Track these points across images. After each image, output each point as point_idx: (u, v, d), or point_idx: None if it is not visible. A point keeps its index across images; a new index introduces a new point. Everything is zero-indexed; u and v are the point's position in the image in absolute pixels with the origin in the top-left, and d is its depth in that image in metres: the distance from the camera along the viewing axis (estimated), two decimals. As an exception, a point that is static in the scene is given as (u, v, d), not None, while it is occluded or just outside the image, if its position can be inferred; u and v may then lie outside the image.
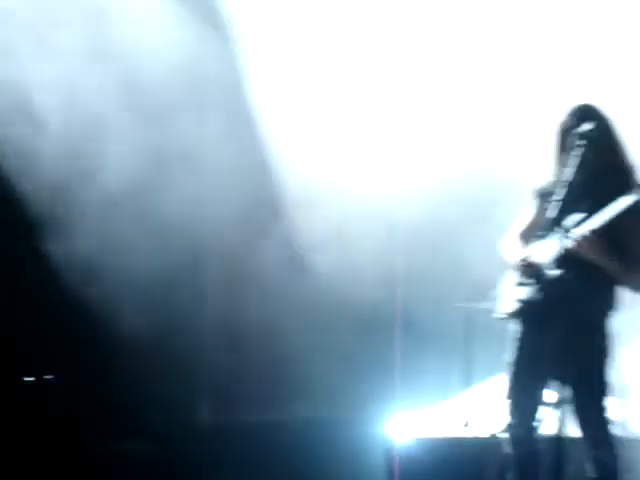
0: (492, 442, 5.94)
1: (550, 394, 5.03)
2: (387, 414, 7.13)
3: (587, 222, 4.67)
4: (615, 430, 4.87)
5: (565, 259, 4.78)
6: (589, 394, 4.76)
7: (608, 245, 4.66)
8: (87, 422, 7.27)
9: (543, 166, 5.05)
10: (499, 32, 7.38)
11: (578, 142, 4.70)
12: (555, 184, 4.94)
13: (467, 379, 6.97)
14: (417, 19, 7.44)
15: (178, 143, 7.35)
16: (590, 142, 4.68)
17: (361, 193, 7.30)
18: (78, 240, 7.17)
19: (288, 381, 7.52)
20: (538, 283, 4.87)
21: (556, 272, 4.81)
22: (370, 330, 7.58)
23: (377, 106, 7.38)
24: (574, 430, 4.81)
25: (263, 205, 7.67)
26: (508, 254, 5.06)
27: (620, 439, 6.45)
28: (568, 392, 4.76)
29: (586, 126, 4.73)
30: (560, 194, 4.63)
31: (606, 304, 4.86)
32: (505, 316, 4.99)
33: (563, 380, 4.82)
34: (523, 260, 4.91)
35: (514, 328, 4.97)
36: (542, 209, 4.98)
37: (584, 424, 4.77)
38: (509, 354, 4.95)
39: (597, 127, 4.69)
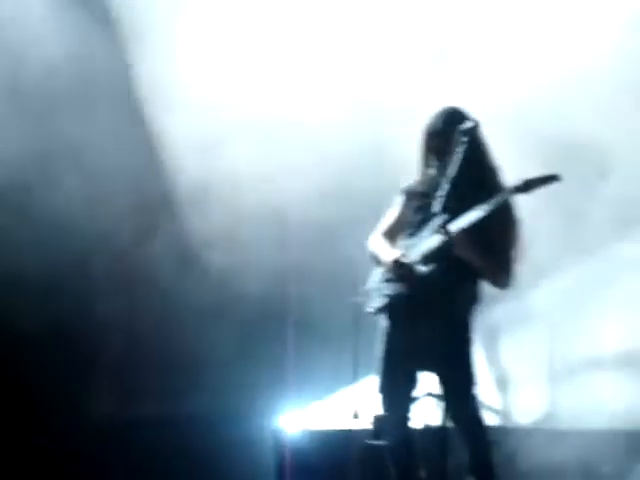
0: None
1: (433, 385, 5.11)
2: (279, 408, 7.15)
3: (457, 220, 4.75)
4: (492, 420, 4.97)
5: (433, 256, 4.87)
6: (458, 385, 4.85)
7: (475, 244, 4.76)
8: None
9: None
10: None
11: (461, 139, 4.75)
12: (421, 183, 5.07)
13: (356, 373, 7.00)
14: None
15: (65, 141, 7.19)
16: (469, 140, 4.74)
17: (254, 191, 7.25)
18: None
19: (181, 376, 7.43)
20: (405, 279, 4.94)
21: (423, 268, 4.90)
22: (262, 326, 7.54)
23: (268, 102, 7.33)
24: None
25: (154, 203, 7.57)
26: (375, 251, 5.12)
27: (501, 429, 6.64)
28: (440, 383, 4.85)
29: (468, 123, 4.79)
30: (444, 190, 4.67)
31: (471, 299, 4.96)
32: (374, 311, 5.06)
33: (433, 372, 4.92)
34: (393, 259, 4.97)
35: (383, 323, 5.05)
36: (408, 207, 5.09)
37: (456, 415, 4.85)
38: (379, 348, 5.02)
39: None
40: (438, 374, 4.88)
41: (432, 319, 4.82)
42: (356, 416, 6.77)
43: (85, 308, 7.50)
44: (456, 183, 4.71)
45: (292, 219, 7.46)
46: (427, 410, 5.98)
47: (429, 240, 4.89)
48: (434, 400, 6.69)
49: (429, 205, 4.92)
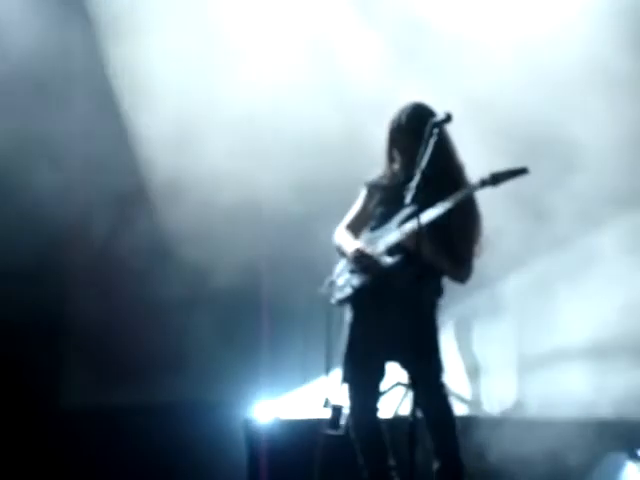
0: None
1: (403, 376, 5.11)
2: (251, 398, 7.16)
3: (417, 217, 4.74)
4: (462, 409, 4.97)
5: (397, 247, 4.90)
6: (426, 373, 4.85)
7: (435, 241, 4.75)
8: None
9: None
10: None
11: (433, 132, 4.73)
12: (385, 177, 5.11)
13: (328, 363, 6.99)
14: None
15: (39, 133, 7.13)
16: (439, 134, 4.71)
17: (228, 184, 7.21)
18: None
19: (154, 366, 7.43)
20: (368, 269, 4.96)
21: (388, 259, 4.91)
22: (236, 317, 7.55)
23: (243, 97, 7.29)
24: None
25: (127, 194, 7.53)
26: (339, 243, 5.13)
27: (470, 418, 6.64)
28: (407, 373, 4.88)
29: (440, 116, 4.77)
30: (416, 181, 4.64)
31: (435, 289, 4.99)
32: (337, 302, 5.06)
33: (400, 362, 4.92)
34: (356, 249, 4.96)
35: (347, 314, 5.08)
36: (372, 201, 5.12)
37: (424, 403, 4.84)
38: (343, 339, 5.06)
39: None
40: (405, 363, 4.88)
41: (397, 309, 4.85)
42: (327, 405, 6.77)
43: (60, 298, 7.53)
44: (426, 175, 4.70)
45: (266, 212, 7.46)
46: (396, 399, 6.00)
47: (394, 232, 4.91)
48: (403, 390, 6.75)
49: (392, 198, 4.97)
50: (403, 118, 5.02)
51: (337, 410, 5.16)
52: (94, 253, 7.51)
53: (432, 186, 4.62)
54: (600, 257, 6.93)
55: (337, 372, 5.37)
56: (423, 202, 4.65)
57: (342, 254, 5.13)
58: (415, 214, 4.69)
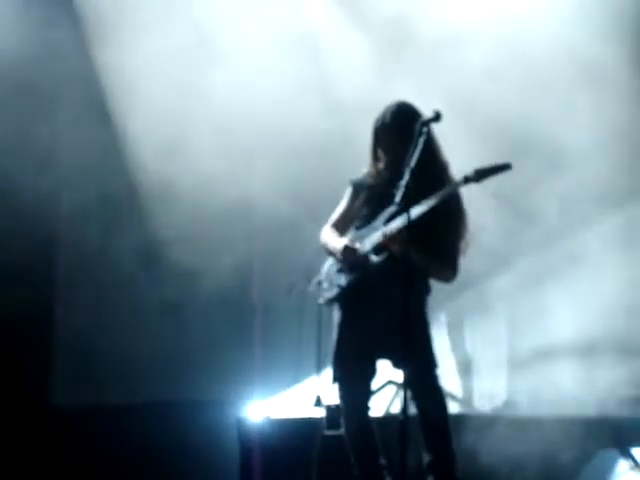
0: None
1: (396, 374, 5.07)
2: (244, 397, 7.12)
3: (399, 218, 4.74)
4: (453, 407, 4.95)
5: (382, 247, 4.89)
6: (419, 367, 4.80)
7: (421, 239, 4.68)
8: None
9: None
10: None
11: (422, 130, 4.68)
12: (370, 176, 5.08)
13: (319, 363, 6.97)
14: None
15: (27, 133, 7.08)
16: (429, 132, 4.67)
17: (219, 183, 7.18)
18: None
19: (146, 366, 7.41)
20: (356, 266, 4.93)
21: (375, 257, 4.90)
22: (228, 317, 7.53)
23: (232, 100, 7.25)
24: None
25: (117, 196, 7.48)
26: (326, 242, 5.10)
27: (461, 416, 6.61)
28: (399, 369, 4.82)
29: (429, 114, 4.73)
30: (404, 181, 4.60)
31: (422, 288, 4.97)
32: (326, 302, 5.03)
33: (392, 359, 4.89)
34: (344, 245, 4.92)
35: (335, 314, 5.05)
36: (357, 200, 5.10)
37: (418, 397, 4.83)
38: (334, 338, 5.02)
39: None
40: (397, 358, 4.83)
41: (386, 306, 4.80)
42: (318, 404, 6.75)
43: (50, 297, 7.51)
44: (415, 174, 4.65)
45: (257, 213, 7.45)
46: (387, 398, 5.97)
47: (380, 231, 4.90)
48: (394, 388, 6.72)
49: (378, 197, 4.96)
50: (388, 117, 5.00)
51: (335, 410, 5.14)
52: (85, 254, 7.46)
53: (418, 184, 4.58)
54: (587, 255, 6.91)
55: (328, 371, 5.34)
56: (415, 199, 4.62)
57: (329, 253, 5.10)
58: (400, 212, 4.65)
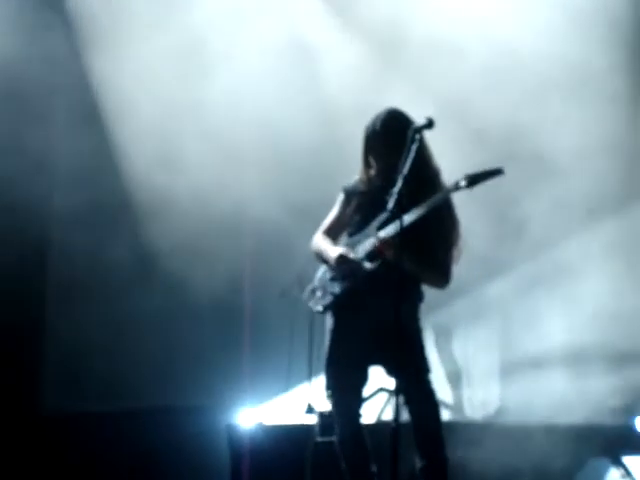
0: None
1: (387, 382, 5.04)
2: (235, 404, 7.08)
3: (391, 225, 4.71)
4: (445, 415, 4.92)
5: (375, 254, 4.84)
6: (413, 372, 4.77)
7: (413, 246, 4.65)
8: None
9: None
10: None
11: (414, 137, 4.64)
12: (362, 183, 5.03)
13: (311, 369, 6.95)
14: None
15: (20, 142, 7.04)
16: (421, 139, 4.64)
17: (211, 194, 7.16)
18: None
19: (138, 373, 7.37)
20: (350, 274, 4.90)
21: (368, 265, 4.86)
22: (219, 324, 7.50)
23: (228, 111, 7.23)
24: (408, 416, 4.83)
25: (109, 204, 7.43)
26: (319, 249, 5.05)
27: (452, 423, 6.58)
28: (393, 375, 4.76)
29: (422, 121, 4.70)
30: (397, 188, 4.55)
31: (414, 295, 4.93)
32: (321, 309, 4.99)
33: (385, 365, 4.86)
34: (339, 254, 4.90)
35: (330, 321, 5.00)
36: (349, 207, 5.05)
37: (412, 402, 4.78)
38: (326, 346, 4.97)
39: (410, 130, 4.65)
40: (390, 364, 4.79)
41: (379, 313, 4.75)
42: (309, 411, 6.72)
43: (41, 305, 7.50)
44: (407, 181, 4.62)
45: (249, 222, 7.43)
46: (379, 405, 5.93)
47: (372, 238, 4.86)
48: (386, 395, 6.69)
49: (369, 204, 4.92)
50: (379, 124, 4.95)
51: (328, 417, 5.10)
52: (76, 263, 7.42)
53: (410, 191, 4.53)
54: (579, 264, 6.89)
55: (320, 379, 5.32)
56: (408, 205, 4.58)
57: (322, 260, 5.06)
58: (393, 219, 4.61)
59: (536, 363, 6.94)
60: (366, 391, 5.03)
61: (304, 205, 6.88)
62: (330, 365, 4.96)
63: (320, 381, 5.60)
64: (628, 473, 5.81)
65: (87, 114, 7.42)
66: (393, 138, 4.80)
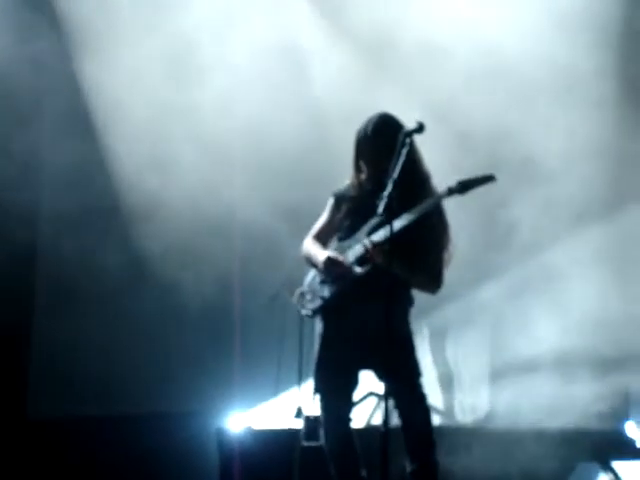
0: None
1: (377, 385, 5.02)
2: (224, 408, 7.07)
3: (382, 229, 4.69)
4: (435, 419, 4.90)
5: (365, 259, 4.82)
6: (402, 375, 4.74)
7: (404, 251, 4.62)
8: None
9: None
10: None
11: (405, 141, 4.62)
12: (352, 187, 5.01)
13: (301, 374, 6.92)
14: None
15: (10, 143, 7.00)
16: (411, 143, 4.61)
17: (200, 197, 7.12)
18: None
19: (127, 377, 7.33)
20: (339, 278, 4.88)
21: (358, 269, 4.83)
22: (208, 328, 7.46)
23: (218, 114, 7.21)
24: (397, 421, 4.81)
25: (98, 209, 7.39)
26: (308, 253, 5.04)
27: (443, 428, 6.56)
28: (383, 378, 4.73)
29: (412, 125, 4.67)
30: (387, 192, 4.53)
31: (405, 300, 4.91)
32: (310, 313, 4.97)
33: (375, 369, 4.84)
34: (327, 257, 4.87)
35: (319, 325, 4.98)
36: (339, 211, 5.03)
37: (402, 406, 4.76)
38: (316, 350, 4.96)
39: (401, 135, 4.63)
40: (381, 368, 4.76)
41: (369, 318, 4.72)
42: (299, 416, 6.69)
43: (29, 309, 7.45)
44: (397, 185, 4.59)
45: (239, 227, 7.39)
46: (368, 409, 5.90)
47: (357, 246, 4.85)
48: (375, 399, 6.66)
49: (360, 209, 4.90)
50: (370, 128, 4.93)
51: (313, 421, 5.08)
52: (65, 267, 7.36)
53: (401, 195, 4.50)
54: (569, 269, 6.88)
55: (309, 383, 5.30)
56: (398, 210, 4.55)
57: (311, 264, 5.04)
58: (383, 223, 4.59)
59: (526, 368, 6.92)
60: (356, 395, 5.02)
61: (294, 208, 6.85)
62: (319, 369, 4.94)
63: (310, 385, 5.59)
64: (617, 478, 5.80)
65: (77, 117, 7.36)
66: (384, 143, 4.78)
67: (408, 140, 4.58)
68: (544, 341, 6.92)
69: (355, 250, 4.87)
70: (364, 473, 4.88)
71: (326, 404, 4.91)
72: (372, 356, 4.74)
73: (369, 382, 5.13)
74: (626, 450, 6.18)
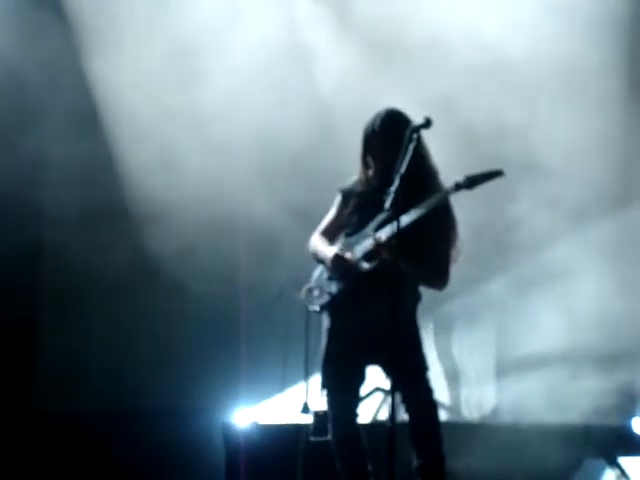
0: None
1: (383, 381, 5.01)
2: (230, 403, 7.05)
3: (389, 225, 4.68)
4: (441, 415, 4.90)
5: (373, 255, 4.80)
6: (411, 370, 4.74)
7: (411, 247, 4.60)
8: None
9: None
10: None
11: (412, 137, 4.60)
12: (360, 183, 5.00)
13: (307, 369, 6.92)
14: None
15: (17, 143, 7.00)
16: (419, 139, 4.60)
17: (208, 195, 7.12)
18: None
19: (133, 373, 7.34)
20: (347, 274, 4.86)
21: (366, 265, 4.82)
22: (215, 324, 7.45)
23: (224, 116, 7.19)
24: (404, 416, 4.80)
25: (104, 209, 7.39)
26: (315, 249, 5.03)
27: (449, 424, 6.55)
28: (390, 374, 4.70)
29: (420, 120, 4.66)
30: (394, 187, 4.51)
31: (412, 296, 4.90)
32: (318, 309, 4.96)
33: (382, 364, 4.82)
34: (334, 254, 4.86)
35: (326, 320, 4.98)
36: (347, 207, 5.03)
37: (409, 400, 4.75)
38: (323, 345, 4.96)
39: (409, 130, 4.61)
40: (388, 363, 4.74)
41: (377, 313, 4.69)
42: (305, 411, 6.69)
43: (34, 305, 7.48)
44: (405, 180, 4.57)
45: (245, 226, 7.38)
46: (375, 405, 5.89)
47: (370, 239, 4.83)
48: (382, 395, 6.65)
49: (367, 204, 4.89)
50: (377, 124, 4.91)
51: (322, 416, 5.07)
52: (71, 264, 7.37)
53: (408, 191, 4.49)
54: (575, 265, 6.86)
55: (316, 378, 5.29)
56: (405, 205, 4.54)
57: (319, 261, 5.03)
58: (391, 219, 4.57)
59: (532, 363, 6.91)
60: (362, 391, 5.01)
61: (301, 207, 6.83)
62: (326, 365, 4.93)
63: (316, 381, 5.58)
64: (624, 474, 5.79)
65: (85, 116, 7.36)
66: (392, 138, 4.76)
67: (415, 135, 4.57)
68: (550, 337, 6.90)
69: (363, 246, 4.86)
70: (370, 468, 4.88)
71: (333, 399, 4.90)
72: (379, 352, 4.72)
73: (376, 377, 5.12)
74: (633, 446, 6.16)
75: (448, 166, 5.02)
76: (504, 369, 7.10)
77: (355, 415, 4.92)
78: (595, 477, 5.87)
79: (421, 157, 4.79)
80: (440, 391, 7.01)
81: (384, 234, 4.74)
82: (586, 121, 6.79)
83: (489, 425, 6.61)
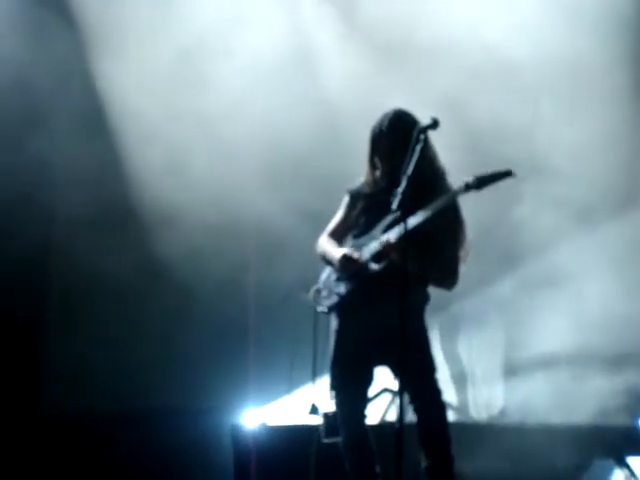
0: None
1: (391, 382, 5.00)
2: (239, 405, 7.05)
3: (397, 226, 4.67)
4: (449, 416, 4.89)
5: (381, 256, 4.79)
6: (419, 371, 4.73)
7: (420, 248, 4.59)
8: None
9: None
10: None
11: (419, 137, 4.58)
12: (367, 185, 4.99)
13: (315, 370, 6.90)
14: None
15: (25, 146, 7.00)
16: (426, 140, 4.58)
17: (215, 197, 7.12)
18: None
19: (142, 374, 7.31)
20: (355, 275, 4.85)
21: (374, 265, 4.82)
22: (223, 325, 7.44)
23: (229, 118, 7.19)
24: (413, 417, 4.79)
25: (112, 211, 7.38)
26: (323, 251, 5.02)
27: (457, 424, 6.54)
28: (398, 375, 4.66)
29: (427, 121, 4.64)
30: (401, 188, 4.49)
31: (420, 296, 4.88)
32: (326, 310, 4.95)
33: (390, 366, 4.81)
34: (342, 255, 4.84)
35: (335, 321, 4.97)
36: (354, 209, 5.02)
37: (418, 402, 4.74)
38: (331, 346, 4.96)
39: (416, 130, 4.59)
40: (396, 364, 4.72)
41: (385, 314, 4.67)
42: (313, 412, 6.67)
43: (40, 305, 7.48)
44: (412, 181, 4.56)
45: (252, 227, 7.37)
46: (383, 406, 5.87)
47: (378, 240, 4.82)
48: (390, 396, 6.64)
49: (375, 206, 4.88)
50: (385, 124, 4.90)
51: (333, 418, 5.07)
52: (79, 265, 7.36)
53: (415, 191, 4.47)
54: (582, 266, 6.84)
55: (324, 379, 5.28)
56: (413, 206, 4.52)
57: (327, 262, 5.02)
58: (399, 220, 4.56)
59: (540, 364, 6.90)
60: (371, 392, 5.00)
61: (308, 208, 6.83)
62: (335, 366, 4.93)
63: (324, 382, 5.57)
64: (633, 474, 5.78)
65: (92, 118, 7.37)
66: (399, 138, 4.75)
67: (422, 136, 4.55)
68: (558, 337, 6.88)
69: (371, 247, 4.84)
70: (379, 469, 4.86)
71: (341, 400, 4.90)
72: (387, 353, 4.70)
73: (384, 378, 5.11)
74: (641, 446, 6.15)
75: (453, 167, 5.01)
76: (512, 370, 7.08)
77: (363, 416, 4.91)
78: (604, 477, 5.86)
79: (428, 158, 4.78)
80: (448, 392, 7.00)
81: (392, 235, 4.73)
82: (592, 121, 6.77)
83: (497, 426, 6.59)
